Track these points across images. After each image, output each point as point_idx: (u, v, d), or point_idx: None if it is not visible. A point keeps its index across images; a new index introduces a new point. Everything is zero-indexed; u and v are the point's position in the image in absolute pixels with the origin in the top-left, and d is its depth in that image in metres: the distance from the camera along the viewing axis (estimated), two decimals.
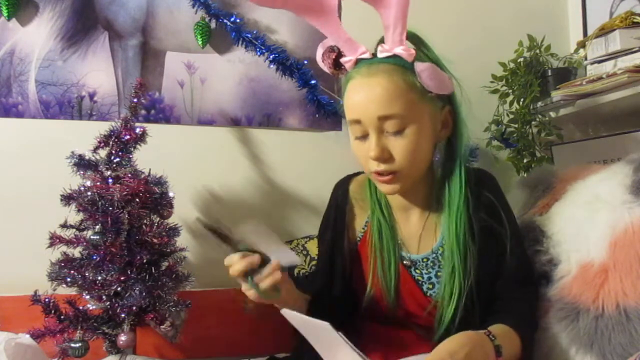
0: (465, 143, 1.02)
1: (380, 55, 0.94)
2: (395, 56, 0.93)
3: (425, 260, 1.03)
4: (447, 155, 1.02)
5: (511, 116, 1.55)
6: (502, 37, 1.63)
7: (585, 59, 1.43)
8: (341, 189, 1.13)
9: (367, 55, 0.96)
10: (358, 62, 0.96)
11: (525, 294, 1.01)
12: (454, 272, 0.96)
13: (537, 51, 1.56)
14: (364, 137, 0.95)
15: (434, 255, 1.02)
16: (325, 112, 1.54)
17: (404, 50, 0.93)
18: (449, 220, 0.99)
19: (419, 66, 0.92)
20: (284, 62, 1.48)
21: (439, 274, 1.01)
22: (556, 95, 1.44)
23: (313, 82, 1.50)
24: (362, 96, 0.93)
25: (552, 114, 1.53)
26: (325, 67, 1.00)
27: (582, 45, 1.46)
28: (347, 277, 1.07)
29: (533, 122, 1.54)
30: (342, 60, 0.97)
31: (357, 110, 0.94)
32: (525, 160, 1.54)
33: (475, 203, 1.00)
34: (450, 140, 1.01)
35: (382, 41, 1.00)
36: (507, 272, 1.00)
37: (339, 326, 1.04)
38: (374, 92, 0.91)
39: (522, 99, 1.52)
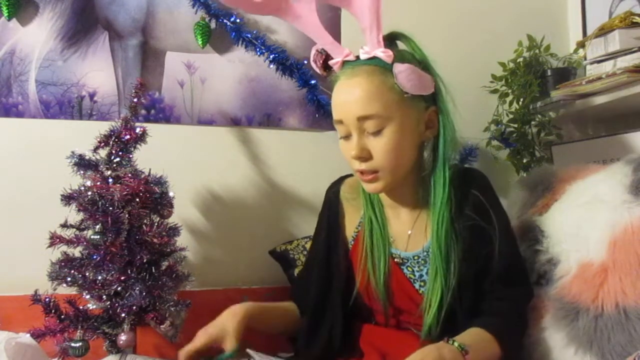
0: (450, 143, 1.01)
1: (361, 57, 0.97)
2: (376, 58, 0.95)
3: (416, 258, 1.03)
4: (433, 155, 1.03)
5: (511, 116, 1.55)
6: (501, 37, 1.63)
7: (585, 59, 1.43)
8: (333, 190, 1.15)
9: (351, 58, 0.98)
10: (344, 64, 0.99)
11: (511, 294, 1.00)
12: (437, 272, 0.97)
13: (537, 51, 1.56)
14: (347, 136, 0.98)
15: (425, 253, 1.02)
16: (325, 112, 1.54)
17: (383, 52, 0.95)
18: (433, 220, 1.00)
19: (397, 67, 0.93)
20: (284, 62, 1.48)
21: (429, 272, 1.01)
22: (556, 95, 1.44)
23: (313, 82, 1.50)
24: (343, 97, 0.96)
25: (552, 114, 1.54)
26: (316, 68, 1.04)
27: (581, 45, 1.46)
28: (343, 278, 1.07)
29: (532, 122, 1.54)
30: (330, 62, 1.00)
31: (339, 111, 0.97)
32: (524, 160, 1.54)
33: (461, 202, 1.00)
34: (436, 139, 1.02)
35: None
36: (494, 271, 0.99)
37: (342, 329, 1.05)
38: (353, 93, 0.94)
39: (521, 99, 1.52)
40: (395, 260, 1.04)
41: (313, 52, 1.03)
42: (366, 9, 0.94)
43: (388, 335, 1.05)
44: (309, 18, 1.00)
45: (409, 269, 1.03)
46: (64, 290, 1.14)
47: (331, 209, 1.13)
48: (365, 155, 0.96)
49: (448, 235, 0.98)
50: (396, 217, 1.07)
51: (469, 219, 0.99)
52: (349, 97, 0.95)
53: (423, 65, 0.99)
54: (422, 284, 1.02)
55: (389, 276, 1.03)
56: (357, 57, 0.98)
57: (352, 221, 1.11)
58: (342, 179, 1.17)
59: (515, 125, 1.54)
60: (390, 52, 0.95)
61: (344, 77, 0.97)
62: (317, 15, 0.99)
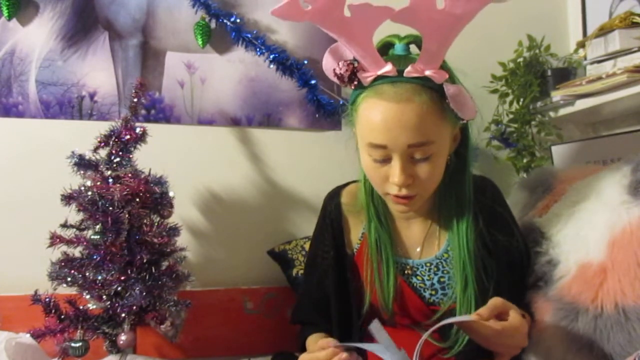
0: (472, 153, 1.00)
1: (408, 75, 0.86)
2: (424, 77, 0.86)
3: (428, 265, 1.01)
4: (454, 166, 0.98)
5: (511, 116, 1.55)
6: (502, 37, 1.63)
7: (585, 59, 1.43)
8: (333, 202, 1.09)
9: (392, 73, 0.87)
10: (377, 78, 0.88)
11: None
12: (467, 284, 0.95)
13: (537, 51, 1.56)
14: (385, 160, 0.90)
15: (438, 260, 1.01)
16: (325, 112, 1.54)
17: (435, 72, 0.85)
18: (458, 232, 0.97)
19: (450, 89, 0.85)
20: (284, 62, 1.48)
21: (442, 279, 1.00)
22: (556, 95, 1.44)
23: (313, 82, 1.50)
24: (392, 122, 0.85)
25: (552, 114, 1.53)
26: (334, 78, 0.92)
27: (581, 45, 1.46)
28: (359, 293, 1.05)
29: (533, 122, 1.54)
30: (362, 75, 0.89)
31: (383, 136, 0.87)
32: (524, 160, 1.54)
33: (483, 213, 0.99)
34: (457, 151, 0.98)
35: (385, 45, 0.96)
36: (520, 285, 1.02)
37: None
38: (405, 118, 0.85)
39: (521, 99, 1.52)
40: (405, 271, 1.02)
41: (336, 59, 0.91)
42: (444, 33, 0.82)
43: (397, 337, 1.03)
44: (366, 32, 0.85)
45: (419, 277, 1.01)
46: (64, 290, 1.14)
47: (334, 224, 1.07)
48: (410, 182, 0.89)
49: (476, 245, 0.96)
50: (407, 227, 1.05)
51: (493, 231, 0.99)
52: (399, 122, 0.85)
53: (450, 75, 0.90)
54: (433, 292, 1.00)
55: (397, 291, 1.00)
56: (398, 72, 0.87)
57: (355, 233, 1.08)
58: (339, 189, 1.11)
59: (516, 125, 1.54)
60: (445, 73, 0.86)
61: (383, 96, 0.86)
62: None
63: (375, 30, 0.84)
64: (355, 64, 0.89)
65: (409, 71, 0.86)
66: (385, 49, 0.97)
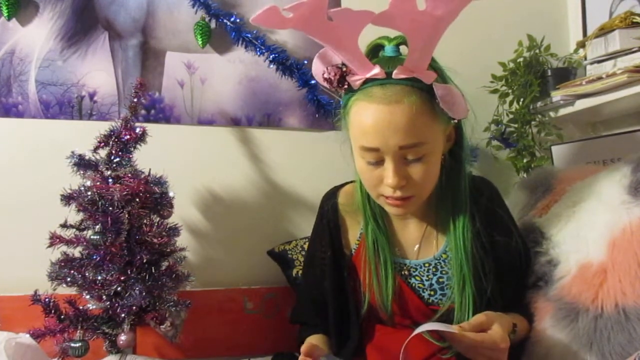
0: (467, 152, 1.00)
1: (396, 76, 0.86)
2: (413, 78, 0.86)
3: (426, 265, 1.01)
4: (450, 166, 0.98)
5: (511, 116, 1.55)
6: (502, 37, 1.63)
7: (585, 59, 1.43)
8: (330, 202, 1.09)
9: (381, 76, 0.87)
10: (366, 81, 0.89)
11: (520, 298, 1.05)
12: (465, 284, 0.95)
13: (537, 51, 1.56)
14: (378, 162, 0.90)
15: (436, 261, 1.01)
16: (325, 112, 1.54)
17: (424, 73, 0.86)
18: (455, 232, 0.97)
19: (440, 89, 0.86)
20: (284, 62, 1.48)
21: (440, 279, 1.00)
22: (556, 95, 1.44)
23: (313, 82, 1.49)
24: (383, 124, 0.86)
25: (552, 114, 1.54)
26: (324, 82, 0.92)
27: (581, 45, 1.46)
28: (356, 294, 1.05)
29: (533, 122, 1.54)
30: (351, 79, 0.89)
31: (375, 138, 0.87)
32: (525, 160, 1.54)
33: (480, 213, 0.99)
34: (452, 151, 0.98)
35: (375, 47, 0.96)
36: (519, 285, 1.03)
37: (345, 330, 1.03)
38: (395, 120, 0.85)
39: (521, 99, 1.52)
40: (403, 272, 1.02)
41: (324, 64, 0.91)
42: (429, 32, 0.82)
43: (395, 336, 1.03)
44: (350, 36, 0.84)
45: (417, 278, 1.01)
46: (64, 290, 1.14)
47: (331, 225, 1.08)
48: (404, 184, 0.89)
49: (473, 245, 0.96)
50: (403, 227, 1.05)
51: (491, 232, 0.99)
52: (389, 124, 0.85)
53: (440, 75, 0.91)
54: (432, 292, 1.00)
55: (396, 291, 1.00)
56: (387, 74, 0.87)
57: (353, 234, 1.08)
58: (337, 190, 1.12)
59: (516, 125, 1.54)
60: (433, 73, 0.86)
61: (373, 99, 0.86)
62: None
63: (359, 34, 0.84)
64: (344, 68, 0.90)
65: (397, 73, 0.86)
66: (375, 51, 0.97)
